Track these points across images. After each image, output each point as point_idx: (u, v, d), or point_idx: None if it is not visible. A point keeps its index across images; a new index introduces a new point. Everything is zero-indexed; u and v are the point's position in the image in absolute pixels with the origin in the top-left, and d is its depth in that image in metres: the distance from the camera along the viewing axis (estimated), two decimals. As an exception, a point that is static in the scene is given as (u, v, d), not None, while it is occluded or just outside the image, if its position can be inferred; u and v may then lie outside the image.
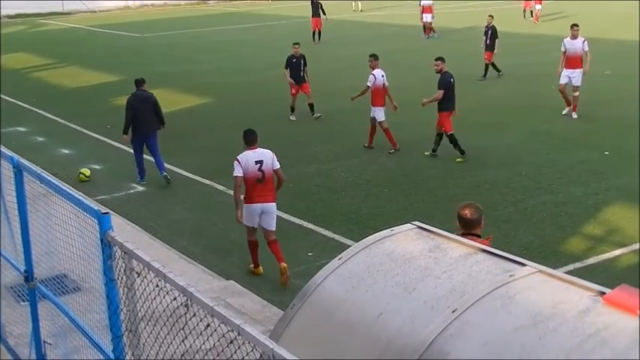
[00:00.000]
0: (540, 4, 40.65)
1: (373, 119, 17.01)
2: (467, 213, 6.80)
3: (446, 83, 16.07)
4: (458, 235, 7.08)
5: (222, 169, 15.92)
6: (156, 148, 15.37)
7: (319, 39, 35.94)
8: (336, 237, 11.98)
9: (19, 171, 6.66)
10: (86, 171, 15.71)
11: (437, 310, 4.41)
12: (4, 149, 7.28)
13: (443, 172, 15.17)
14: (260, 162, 10.61)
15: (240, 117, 20.68)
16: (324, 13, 36.85)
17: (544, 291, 4.35)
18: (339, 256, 5.24)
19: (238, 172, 10.52)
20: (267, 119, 20.31)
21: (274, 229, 10.81)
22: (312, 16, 36.90)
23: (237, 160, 10.60)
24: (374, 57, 17.15)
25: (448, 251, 4.96)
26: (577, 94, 19.20)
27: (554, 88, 19.63)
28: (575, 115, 19.07)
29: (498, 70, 25.33)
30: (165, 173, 15.26)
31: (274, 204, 10.79)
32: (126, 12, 59.83)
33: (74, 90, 26.43)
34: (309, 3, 37.48)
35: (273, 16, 50.92)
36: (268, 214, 10.74)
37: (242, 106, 22.05)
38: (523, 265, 4.66)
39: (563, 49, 19.60)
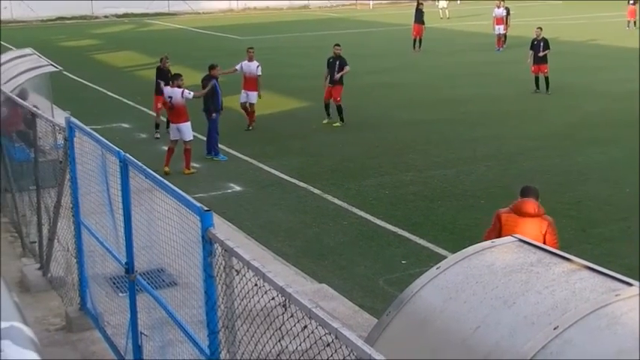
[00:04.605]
0: None
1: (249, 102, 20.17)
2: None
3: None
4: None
5: (318, 172, 16.04)
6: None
7: (420, 47, 35.42)
8: (431, 246, 11.87)
9: (125, 165, 6.83)
10: None
11: (537, 326, 4.30)
12: (110, 144, 7.48)
13: (543, 186, 14.75)
14: (170, 97, 16.33)
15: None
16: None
17: (652, 313, 4.19)
18: (438, 265, 5.17)
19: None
20: (365, 125, 20.32)
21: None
22: (415, 22, 36.15)
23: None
24: (252, 49, 21.35)
25: (551, 266, 4.83)
26: None
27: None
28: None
29: (538, 87, 24.55)
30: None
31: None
32: (229, 14, 60.83)
33: (176, 89, 26.95)
34: (414, 9, 37.05)
35: (372, 22, 50.90)
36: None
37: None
38: (630, 284, 4.50)
39: None
